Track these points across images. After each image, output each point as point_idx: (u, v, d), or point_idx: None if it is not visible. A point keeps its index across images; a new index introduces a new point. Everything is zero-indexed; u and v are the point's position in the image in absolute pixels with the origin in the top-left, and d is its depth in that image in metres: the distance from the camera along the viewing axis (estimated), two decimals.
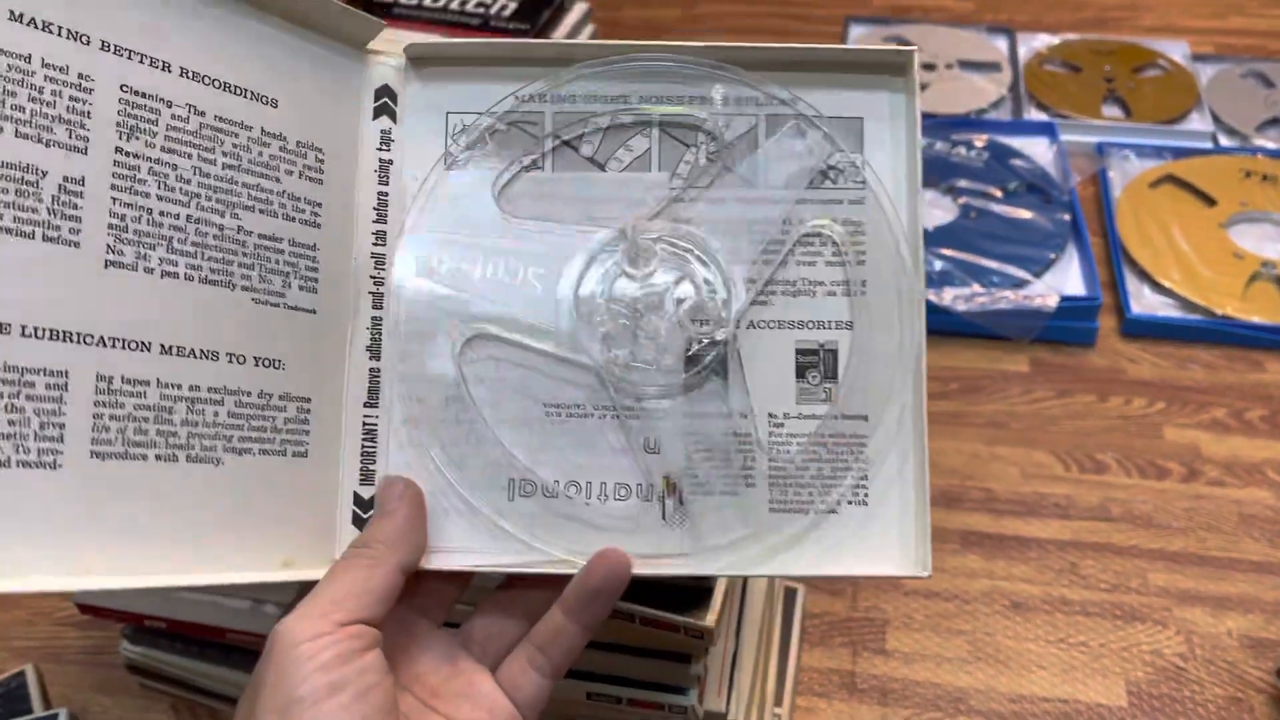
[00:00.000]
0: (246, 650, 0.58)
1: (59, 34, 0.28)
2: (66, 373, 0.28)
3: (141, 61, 0.30)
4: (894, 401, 0.36)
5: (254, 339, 0.32)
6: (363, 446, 0.38)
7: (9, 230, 0.27)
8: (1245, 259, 0.94)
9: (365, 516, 0.38)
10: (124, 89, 0.30)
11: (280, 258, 0.33)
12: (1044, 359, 0.89)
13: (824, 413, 0.36)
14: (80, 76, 0.28)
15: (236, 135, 0.32)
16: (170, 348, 0.30)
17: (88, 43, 0.29)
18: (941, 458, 0.81)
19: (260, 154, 0.33)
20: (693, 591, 0.46)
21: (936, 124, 1.09)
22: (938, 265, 0.92)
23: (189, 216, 0.31)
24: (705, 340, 0.37)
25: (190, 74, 0.31)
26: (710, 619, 0.46)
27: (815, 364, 0.36)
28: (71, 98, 0.28)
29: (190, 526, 0.31)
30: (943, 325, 0.90)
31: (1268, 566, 0.73)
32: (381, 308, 0.38)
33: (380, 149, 0.38)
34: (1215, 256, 0.94)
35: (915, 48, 0.36)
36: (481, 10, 0.77)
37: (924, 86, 1.16)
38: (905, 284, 0.36)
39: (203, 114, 0.31)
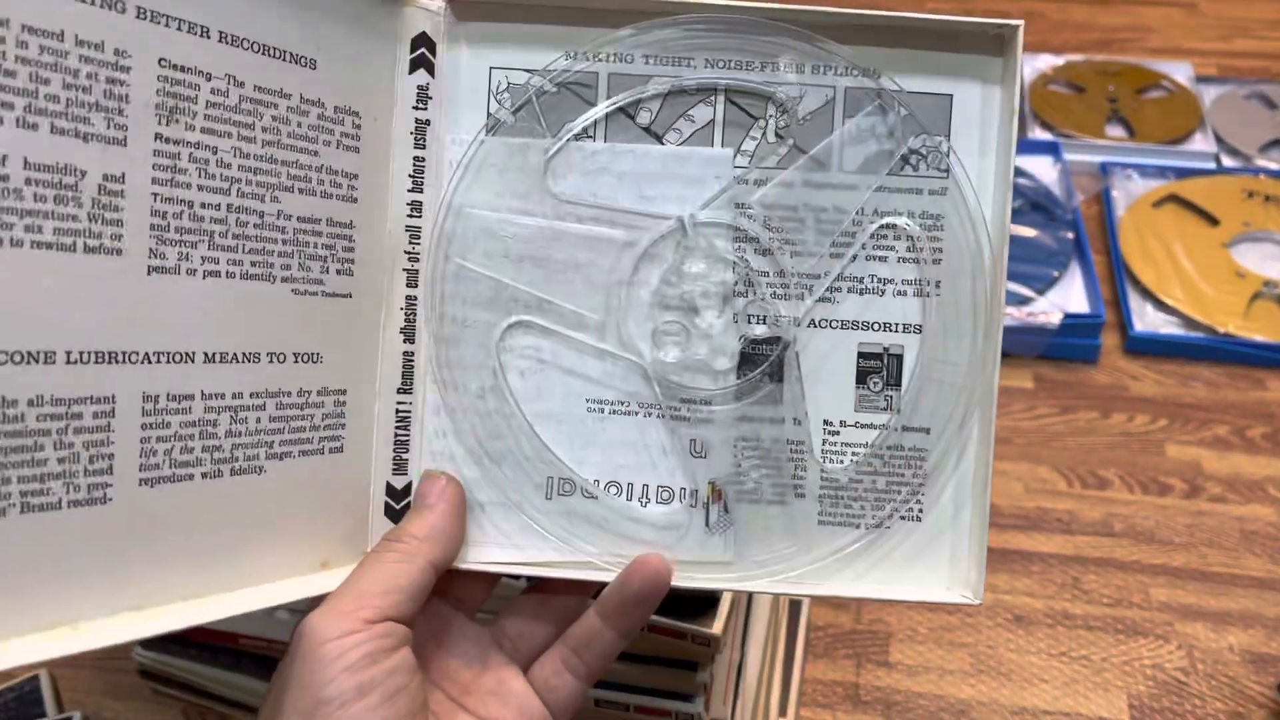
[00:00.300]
0: (259, 656, 0.58)
1: (93, 2, 0.25)
2: (113, 398, 0.25)
3: (180, 28, 0.26)
4: (960, 416, 0.33)
5: (293, 333, 0.30)
6: (395, 435, 0.36)
7: (50, 245, 0.24)
8: (1248, 278, 0.95)
9: (398, 507, 0.37)
10: (162, 64, 0.26)
11: (319, 240, 0.30)
12: (1047, 375, 0.90)
13: (884, 423, 0.33)
14: (116, 54, 0.25)
15: (276, 106, 0.29)
16: (213, 355, 0.28)
17: (123, 10, 0.25)
18: None
19: (300, 125, 0.30)
20: (700, 599, 0.47)
21: None
22: None
23: (229, 205, 0.28)
24: (762, 342, 0.34)
25: (230, 38, 0.28)
26: (717, 627, 0.46)
27: (878, 369, 0.33)
28: (109, 79, 0.25)
29: (232, 541, 0.30)
30: None
31: (1269, 583, 0.74)
32: (416, 286, 0.35)
33: (417, 107, 0.34)
34: (1218, 275, 0.95)
35: (1020, 22, 0.31)
36: None
37: None
38: (984, 287, 0.32)
39: (242, 85, 0.28)
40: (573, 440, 0.37)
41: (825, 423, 0.35)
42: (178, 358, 0.27)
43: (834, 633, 0.72)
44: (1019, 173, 1.05)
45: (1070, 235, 0.98)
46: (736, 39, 0.32)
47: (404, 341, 0.35)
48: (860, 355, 0.33)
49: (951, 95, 0.32)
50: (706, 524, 0.37)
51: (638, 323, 0.36)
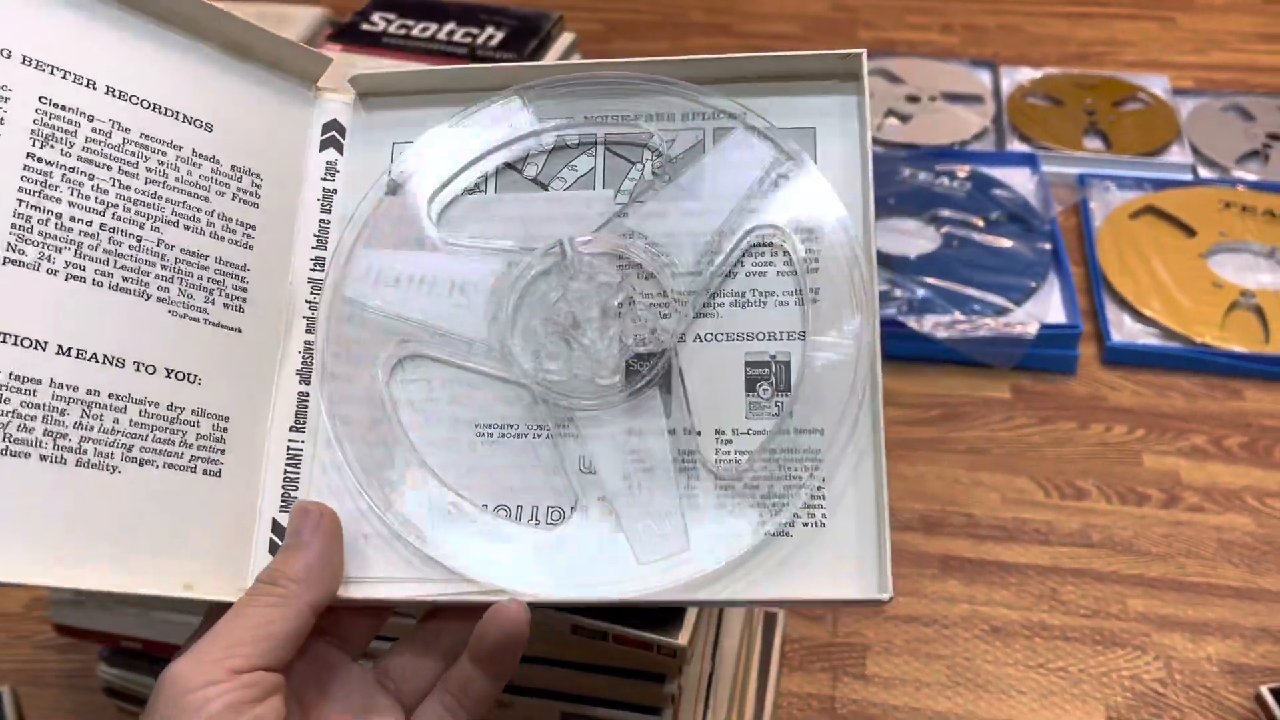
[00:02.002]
0: None
1: None
2: None
3: (64, 78, 0.30)
4: (853, 415, 0.33)
5: (168, 351, 0.32)
6: (285, 472, 0.36)
7: None
8: (1225, 288, 0.95)
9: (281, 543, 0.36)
10: (43, 100, 0.30)
11: (205, 274, 0.33)
12: (1025, 386, 0.90)
13: (775, 427, 0.34)
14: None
15: (164, 154, 0.32)
16: (68, 349, 0.29)
17: (9, 56, 0.29)
18: (923, 483, 0.82)
19: (189, 173, 0.33)
20: (666, 610, 0.46)
21: (920, 154, 1.10)
22: (919, 293, 0.93)
23: (103, 225, 0.31)
24: (644, 353, 0.35)
25: (117, 93, 0.31)
26: (684, 637, 0.46)
27: (767, 376, 0.33)
28: None
29: (78, 533, 0.30)
30: (924, 352, 0.91)
31: (1246, 592, 0.74)
32: (314, 333, 0.37)
33: (325, 179, 0.38)
34: (1195, 286, 0.95)
35: (863, 50, 0.35)
36: (469, 40, 0.78)
37: (908, 118, 1.18)
38: (861, 291, 0.33)
39: (127, 130, 0.32)
40: (460, 466, 0.37)
41: (718, 432, 0.35)
42: (27, 343, 0.28)
43: (810, 645, 0.71)
44: (998, 184, 1.05)
45: (1048, 246, 0.98)
46: (612, 99, 0.36)
47: (300, 382, 0.37)
48: (748, 364, 0.34)
49: (815, 128, 0.35)
50: (598, 540, 0.36)
51: (523, 345, 0.37)
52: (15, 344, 0.28)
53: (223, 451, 0.33)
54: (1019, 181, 1.06)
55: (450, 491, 0.36)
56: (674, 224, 0.35)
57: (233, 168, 0.34)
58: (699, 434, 0.35)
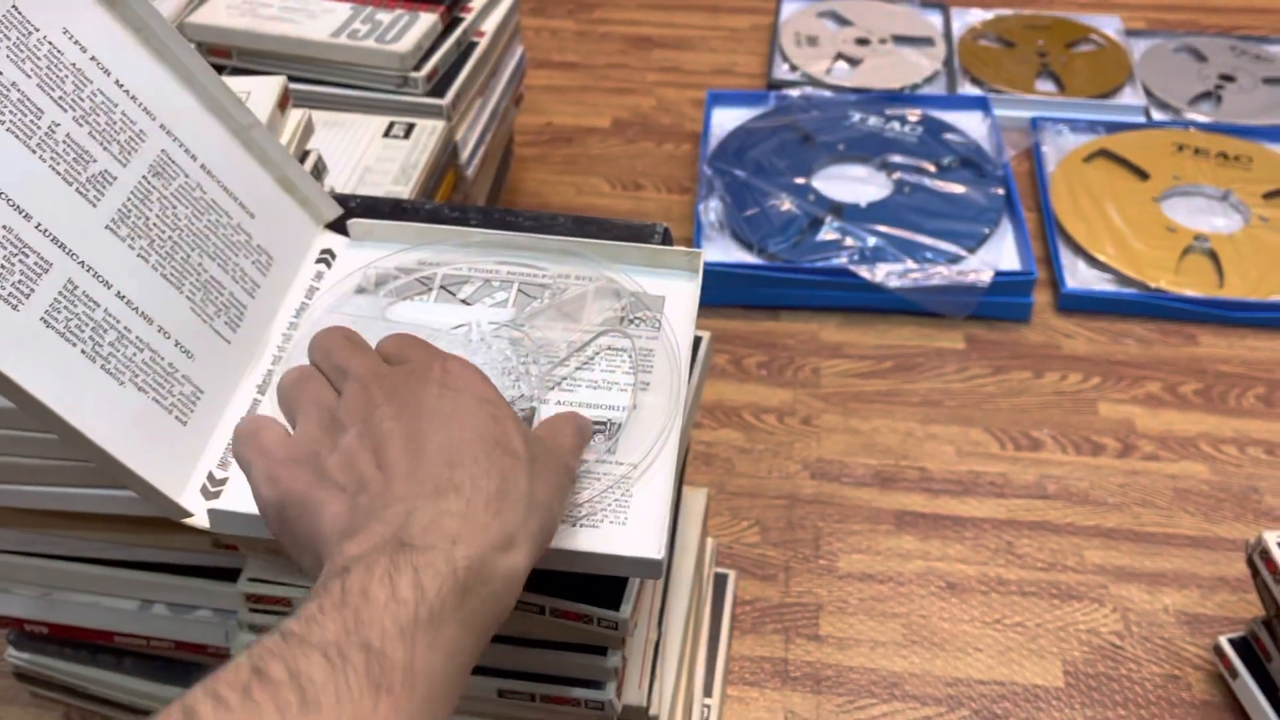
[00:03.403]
0: (141, 655, 0.54)
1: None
2: (51, 265, 0.40)
3: (180, 146, 0.47)
4: (656, 452, 0.44)
5: (180, 329, 0.45)
6: (227, 444, 0.45)
7: (57, 174, 0.42)
8: (1178, 232, 0.93)
9: (213, 490, 0.43)
10: (161, 153, 0.46)
11: (220, 297, 0.47)
12: (979, 336, 0.87)
13: (600, 457, 0.44)
14: (139, 133, 0.45)
15: (220, 215, 0.48)
16: (123, 296, 0.43)
17: (154, 118, 0.46)
18: (876, 436, 0.80)
19: (232, 234, 0.48)
20: (608, 580, 0.43)
21: (870, 99, 1.07)
22: (871, 241, 0.90)
23: (170, 238, 0.45)
24: (517, 404, 0.45)
25: (208, 171, 0.48)
26: (626, 609, 0.43)
27: (603, 430, 0.45)
28: (130, 135, 0.45)
29: (84, 409, 0.40)
30: (876, 302, 0.88)
31: (1203, 541, 0.72)
32: (275, 365, 0.48)
33: (313, 280, 0.51)
34: (1149, 230, 0.93)
35: (701, 250, 0.51)
36: None
37: (858, 61, 1.14)
38: (676, 384, 0.47)
39: (205, 191, 0.48)
40: None
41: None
42: (100, 279, 0.42)
43: (761, 607, 0.69)
44: (950, 129, 1.02)
45: (1001, 191, 0.96)
46: (526, 254, 0.52)
47: (257, 392, 0.47)
48: (594, 422, 0.45)
49: (664, 297, 0.50)
50: None
51: None
52: (94, 277, 0.42)
53: (192, 411, 0.44)
54: (971, 125, 1.04)
55: None
56: (558, 335, 0.48)
57: (258, 246, 0.49)
58: None
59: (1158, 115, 1.08)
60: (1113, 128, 1.04)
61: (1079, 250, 0.92)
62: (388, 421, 0.36)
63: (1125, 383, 0.83)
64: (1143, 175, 0.99)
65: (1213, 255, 0.92)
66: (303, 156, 0.55)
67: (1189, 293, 0.88)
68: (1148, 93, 1.10)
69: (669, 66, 1.19)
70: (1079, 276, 0.91)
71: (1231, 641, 0.63)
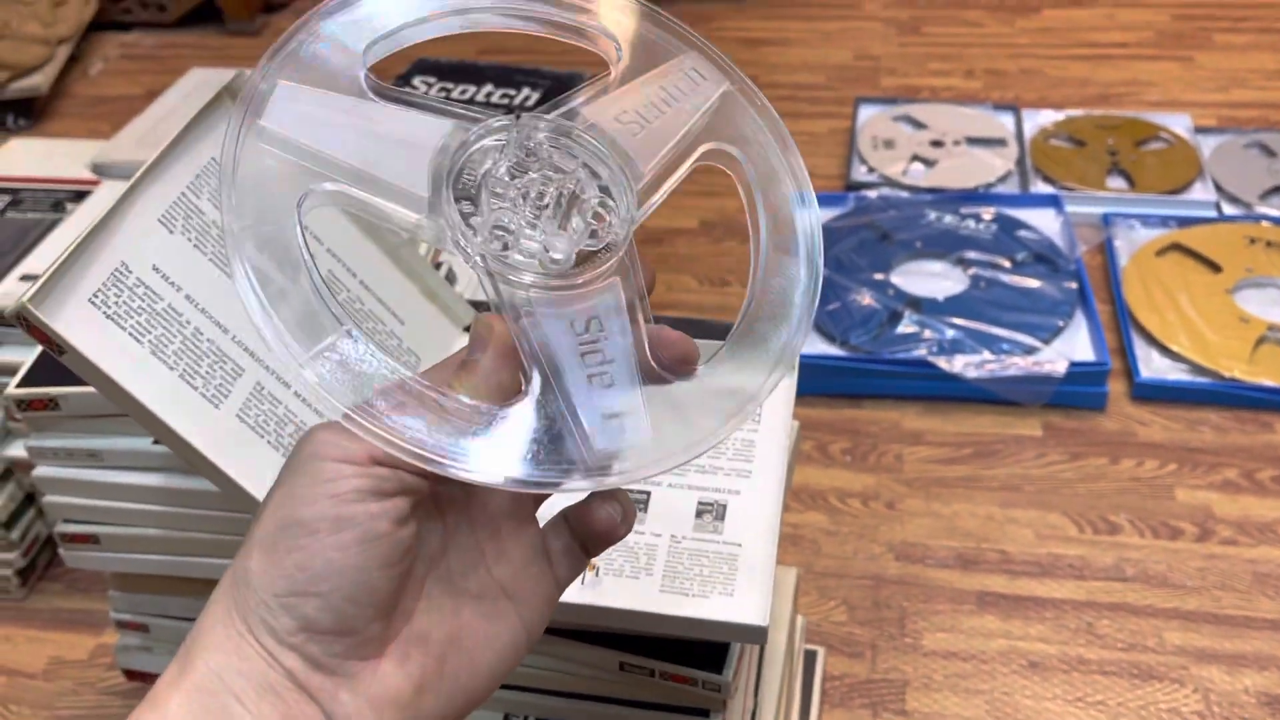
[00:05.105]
0: None
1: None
2: (244, 370, 0.47)
3: (344, 265, 0.54)
4: (761, 533, 0.48)
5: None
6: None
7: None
8: (1251, 323, 0.96)
9: None
10: (329, 273, 0.52)
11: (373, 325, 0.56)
12: (1056, 423, 0.91)
13: (709, 537, 0.49)
14: (312, 255, 0.44)
15: (377, 324, 0.55)
16: (299, 395, 0.49)
17: (319, 241, 0.53)
18: (958, 520, 0.83)
19: (386, 341, 0.55)
20: (711, 646, 0.48)
21: (946, 198, 1.12)
22: (949, 334, 0.95)
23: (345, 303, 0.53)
24: (601, 248, 0.33)
25: (366, 285, 0.55)
26: (728, 673, 0.48)
27: (710, 510, 0.49)
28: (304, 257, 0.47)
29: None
30: (955, 391, 0.92)
31: None
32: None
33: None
34: (1222, 321, 0.97)
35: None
36: (506, 101, 0.83)
37: (933, 163, 1.20)
38: (776, 471, 0.51)
39: (364, 304, 0.54)
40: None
41: (673, 536, 0.49)
42: (280, 381, 0.48)
43: (850, 682, 0.73)
44: (1023, 225, 1.07)
45: (1074, 285, 1.00)
46: None
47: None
48: (699, 503, 0.50)
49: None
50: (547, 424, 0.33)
51: (467, 213, 0.33)
52: (284, 385, 0.48)
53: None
54: (1044, 222, 1.08)
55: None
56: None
57: (408, 349, 0.56)
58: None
59: (1229, 210, 1.11)
60: (1184, 222, 1.08)
61: (1153, 341, 0.96)
62: None
63: (1202, 469, 0.86)
64: (1215, 268, 1.02)
65: None
66: (436, 267, 0.63)
67: (1264, 382, 0.91)
68: (1218, 188, 1.13)
69: None
70: (1153, 366, 0.94)
71: None
